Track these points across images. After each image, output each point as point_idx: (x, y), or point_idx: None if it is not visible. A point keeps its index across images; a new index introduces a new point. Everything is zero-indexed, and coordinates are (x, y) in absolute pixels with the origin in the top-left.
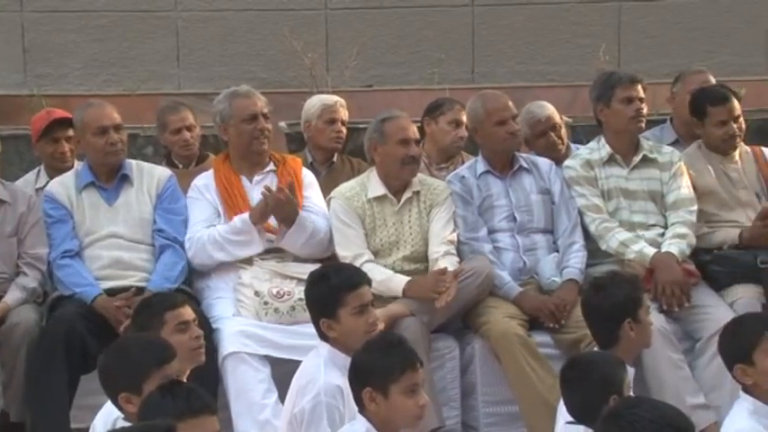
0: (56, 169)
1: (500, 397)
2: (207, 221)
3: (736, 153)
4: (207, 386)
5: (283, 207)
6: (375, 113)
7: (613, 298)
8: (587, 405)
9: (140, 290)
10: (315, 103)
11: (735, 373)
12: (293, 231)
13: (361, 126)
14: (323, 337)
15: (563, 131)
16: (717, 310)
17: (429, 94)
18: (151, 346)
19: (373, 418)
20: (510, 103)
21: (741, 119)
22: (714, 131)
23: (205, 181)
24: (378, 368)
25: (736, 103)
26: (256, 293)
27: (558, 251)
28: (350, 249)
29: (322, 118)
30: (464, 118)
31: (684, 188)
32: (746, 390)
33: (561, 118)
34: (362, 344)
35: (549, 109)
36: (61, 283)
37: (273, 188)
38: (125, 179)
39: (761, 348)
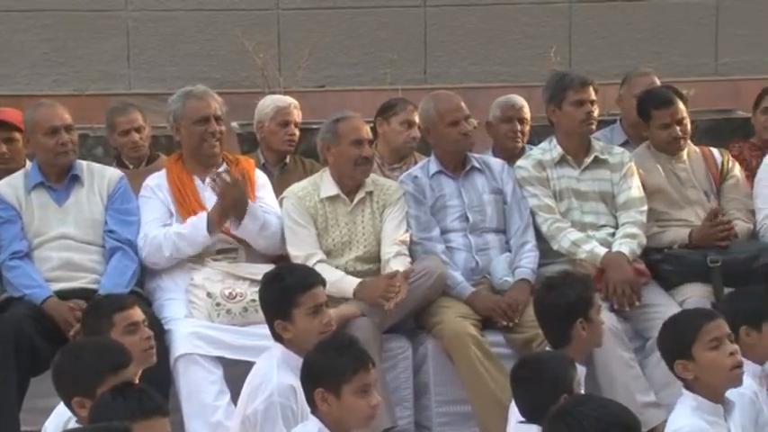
0: None
1: (453, 396)
2: (160, 220)
3: (685, 153)
4: (158, 388)
5: (232, 192)
6: (327, 114)
7: (565, 298)
8: (538, 404)
9: (91, 292)
10: (268, 104)
11: (676, 369)
12: (248, 218)
13: (313, 126)
14: (277, 338)
15: (526, 129)
16: (667, 309)
17: (381, 94)
18: (107, 351)
19: (325, 419)
20: (462, 104)
21: (686, 121)
22: (659, 134)
23: (157, 181)
24: (330, 369)
25: (680, 105)
26: (208, 294)
27: (510, 251)
28: (302, 249)
29: (275, 120)
30: (416, 118)
31: (635, 188)
32: (688, 386)
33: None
34: (314, 344)
35: (525, 103)
36: (10, 284)
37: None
38: (75, 180)
39: (700, 342)
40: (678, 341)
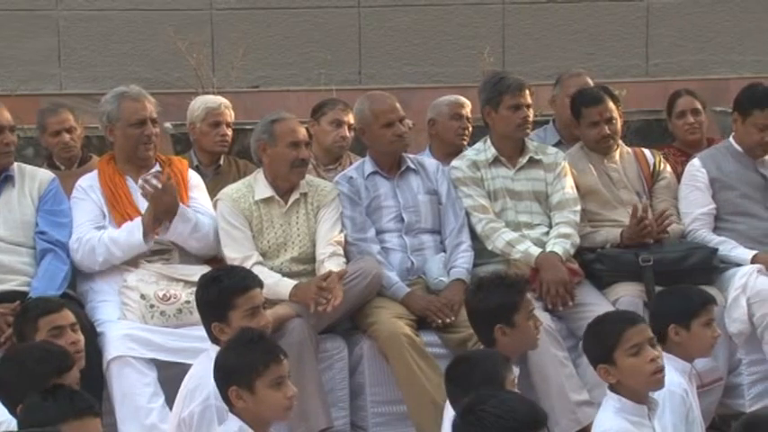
0: None
1: (388, 397)
2: (93, 222)
3: (617, 153)
4: (91, 391)
5: (163, 196)
6: (262, 115)
7: (487, 302)
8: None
9: (22, 295)
10: (198, 105)
11: (598, 372)
12: (177, 222)
13: (247, 127)
14: (214, 340)
15: (470, 129)
16: (600, 308)
17: (316, 95)
18: (49, 356)
19: (244, 416)
20: (397, 105)
21: (616, 120)
22: (588, 132)
23: (90, 182)
24: (240, 365)
25: (610, 104)
26: (142, 296)
27: (445, 251)
28: (238, 251)
29: (206, 121)
30: (346, 118)
31: (568, 189)
32: (612, 388)
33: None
34: (223, 344)
35: (469, 103)
36: None
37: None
38: (7, 180)
39: (621, 349)
40: (600, 346)
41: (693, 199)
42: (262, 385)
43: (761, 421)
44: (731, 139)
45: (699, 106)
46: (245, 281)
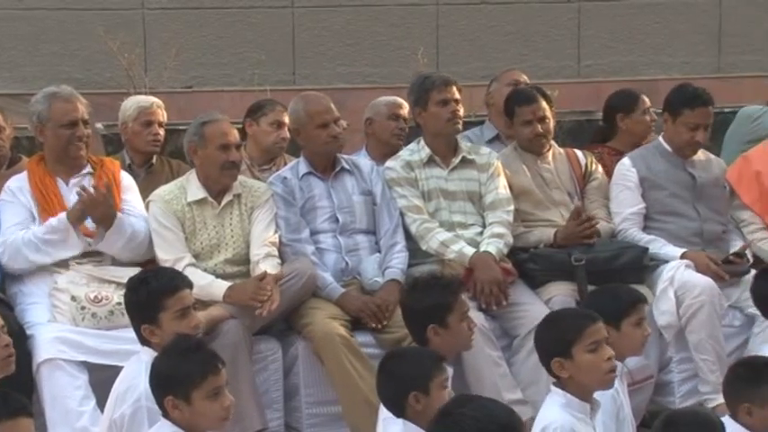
0: None
1: (323, 397)
2: (21, 225)
3: (550, 154)
4: (20, 394)
5: (99, 206)
6: (195, 115)
7: (420, 303)
8: (391, 398)
9: None
10: (131, 104)
11: (552, 366)
12: (111, 233)
13: (180, 128)
14: (144, 342)
15: (406, 129)
16: (533, 308)
17: (250, 95)
18: None
19: (179, 423)
20: (332, 106)
21: (549, 120)
22: (521, 131)
23: (19, 183)
24: (177, 375)
25: (543, 104)
26: (73, 298)
27: (380, 252)
28: (170, 253)
29: (138, 120)
30: (286, 119)
31: (501, 188)
32: (558, 384)
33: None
34: (161, 350)
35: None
36: None
37: (90, 189)
38: None
39: (581, 344)
40: (559, 339)
41: (623, 198)
42: (198, 396)
43: (679, 418)
44: (661, 138)
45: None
46: (173, 282)
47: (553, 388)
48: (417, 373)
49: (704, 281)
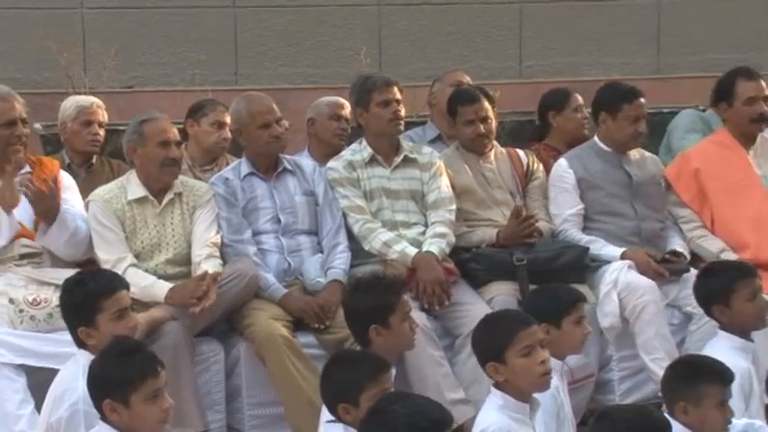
0: None
1: (265, 399)
2: None
3: (492, 153)
4: None
5: (45, 199)
6: (135, 115)
7: (362, 303)
8: (329, 402)
9: None
10: (70, 104)
11: (487, 370)
12: (55, 227)
13: (121, 128)
14: (81, 344)
15: (348, 130)
16: (475, 308)
17: (191, 95)
18: None
19: (117, 426)
20: (274, 106)
21: (491, 120)
22: (463, 130)
23: None
24: (115, 378)
25: (485, 104)
26: (11, 301)
27: (322, 252)
28: (111, 253)
29: (78, 120)
30: (227, 119)
31: (444, 188)
32: (497, 385)
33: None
34: (98, 353)
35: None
36: None
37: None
38: None
39: (513, 348)
40: (492, 344)
41: (562, 200)
42: (137, 399)
43: (612, 416)
44: (596, 138)
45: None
46: (111, 283)
47: (492, 389)
48: (351, 379)
49: (646, 282)
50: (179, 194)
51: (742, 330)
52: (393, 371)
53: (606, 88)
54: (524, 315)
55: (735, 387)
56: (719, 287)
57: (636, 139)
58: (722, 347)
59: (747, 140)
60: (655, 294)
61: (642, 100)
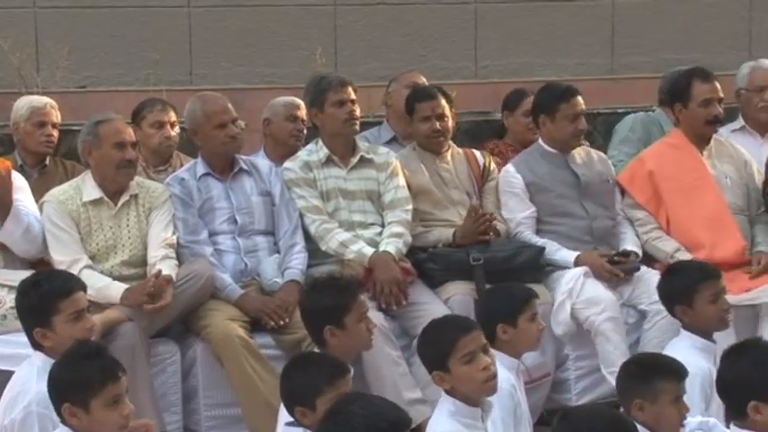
0: None
1: (222, 400)
2: None
3: (448, 153)
4: None
5: None
6: (89, 115)
7: (316, 304)
8: (287, 405)
9: None
10: (23, 104)
11: (433, 379)
12: (9, 221)
13: (74, 128)
14: (36, 346)
15: (304, 131)
16: (432, 307)
17: (145, 95)
18: None
19: (76, 431)
20: (229, 106)
21: (447, 118)
22: (419, 127)
23: None
24: (75, 382)
25: (442, 101)
26: None
27: (279, 253)
28: (66, 254)
29: (30, 120)
30: (167, 117)
31: (400, 188)
32: (447, 390)
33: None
34: (59, 356)
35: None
36: None
37: None
38: None
39: (455, 356)
40: (433, 354)
41: (513, 205)
42: (97, 404)
43: (574, 415)
44: (540, 141)
45: None
46: (67, 284)
47: (443, 394)
48: (311, 385)
49: (606, 296)
50: (135, 196)
51: (704, 331)
52: (351, 374)
53: (542, 90)
54: (465, 321)
55: (696, 387)
56: (682, 287)
57: (577, 137)
58: (684, 347)
59: (701, 141)
60: (614, 309)
61: (579, 98)
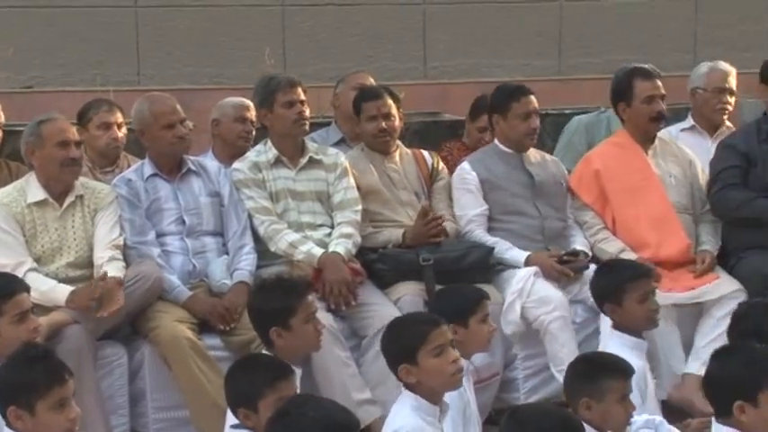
0: None
1: (170, 402)
2: None
3: (397, 154)
4: None
5: None
6: (35, 116)
7: (263, 305)
8: (232, 408)
9: None
10: None
11: (399, 373)
12: None
13: (19, 129)
14: None
15: (253, 132)
16: (382, 308)
17: (92, 95)
18: None
19: None
20: (177, 106)
21: (394, 118)
22: (366, 126)
23: None
24: (21, 385)
25: (388, 101)
26: None
27: (228, 254)
28: (10, 257)
29: None
30: (113, 118)
31: (349, 189)
32: (408, 387)
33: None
34: (5, 358)
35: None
36: None
37: None
38: None
39: (425, 349)
40: (403, 346)
41: (466, 202)
42: (43, 407)
43: (522, 414)
44: (496, 141)
45: None
46: (10, 285)
47: (404, 390)
48: (253, 386)
49: (557, 295)
50: (80, 197)
51: (633, 330)
52: (297, 375)
53: (495, 91)
54: (433, 316)
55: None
56: (611, 286)
57: (530, 135)
58: (615, 345)
59: (646, 140)
60: (564, 308)
61: (531, 97)
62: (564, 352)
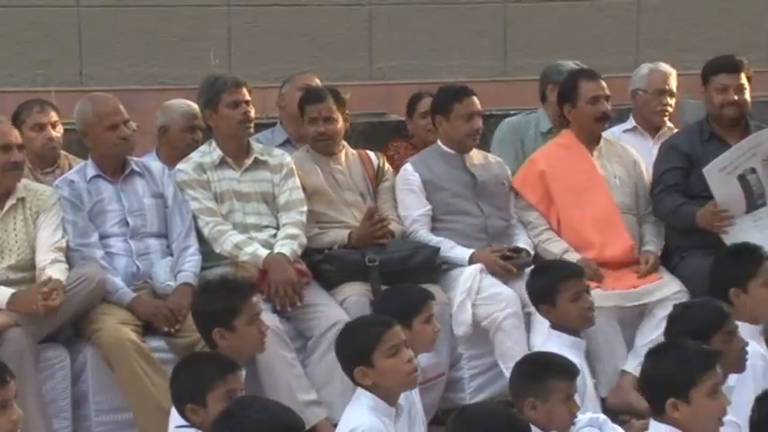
0: None
1: (113, 405)
2: None
3: (342, 155)
4: None
5: None
6: None
7: (206, 306)
8: (178, 407)
9: None
10: None
11: (355, 376)
12: None
13: None
14: None
15: (200, 136)
16: (328, 309)
17: (34, 96)
18: None
19: None
20: (121, 107)
21: (335, 120)
22: (308, 129)
23: None
24: None
25: (330, 104)
26: None
27: (172, 255)
28: None
29: None
30: (47, 119)
31: (295, 189)
32: (365, 389)
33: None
34: None
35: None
36: None
37: None
38: None
39: (380, 350)
40: (358, 349)
41: (409, 202)
42: None
43: (468, 414)
44: (439, 142)
45: None
46: None
47: (359, 390)
48: (201, 380)
49: (508, 292)
50: (22, 199)
51: (569, 329)
52: (243, 373)
53: (438, 92)
54: (385, 317)
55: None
56: (544, 287)
57: (472, 136)
58: (553, 345)
59: (591, 141)
60: (516, 305)
61: (474, 98)
62: (516, 350)
